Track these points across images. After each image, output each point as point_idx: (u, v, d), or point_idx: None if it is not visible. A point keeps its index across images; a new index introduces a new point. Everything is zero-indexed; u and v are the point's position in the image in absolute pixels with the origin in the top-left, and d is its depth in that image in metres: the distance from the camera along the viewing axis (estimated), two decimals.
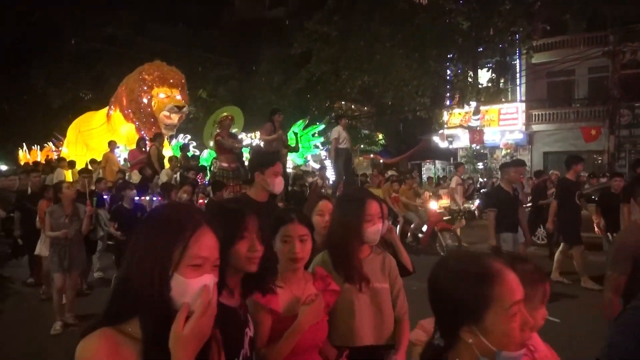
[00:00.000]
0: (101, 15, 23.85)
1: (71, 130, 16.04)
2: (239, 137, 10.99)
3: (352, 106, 25.35)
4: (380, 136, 26.03)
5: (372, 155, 23.37)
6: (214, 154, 13.02)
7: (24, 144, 22.19)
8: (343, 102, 25.33)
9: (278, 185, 3.03)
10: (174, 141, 14.84)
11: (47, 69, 24.31)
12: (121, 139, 13.21)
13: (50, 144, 20.51)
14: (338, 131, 9.91)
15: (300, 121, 14.33)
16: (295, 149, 10.66)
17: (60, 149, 19.53)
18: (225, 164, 8.62)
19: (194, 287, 1.11)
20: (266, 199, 3.07)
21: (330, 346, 2.14)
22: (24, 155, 23.10)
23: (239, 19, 30.07)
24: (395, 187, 10.84)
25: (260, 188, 3.03)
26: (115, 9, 24.74)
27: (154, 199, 9.04)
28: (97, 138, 14.55)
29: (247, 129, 19.20)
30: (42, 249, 6.42)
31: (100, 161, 11.88)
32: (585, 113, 21.29)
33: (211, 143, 10.31)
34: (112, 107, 14.30)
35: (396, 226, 10.46)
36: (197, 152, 13.66)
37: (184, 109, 13.39)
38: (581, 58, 18.10)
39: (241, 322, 1.65)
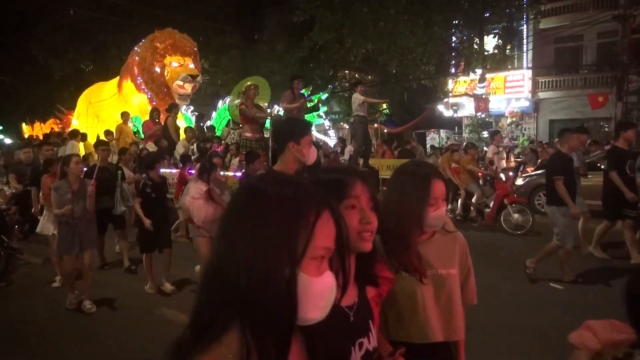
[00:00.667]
0: None
1: (81, 101, 15.76)
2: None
3: (356, 75, 25.01)
4: (385, 105, 25.78)
5: (376, 125, 23.24)
6: (223, 123, 12.99)
7: (27, 117, 22.22)
8: (347, 71, 25.01)
9: (312, 155, 2.80)
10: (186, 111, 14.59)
11: (48, 40, 24.04)
12: (133, 110, 12.89)
13: (53, 117, 20.49)
14: (358, 98, 9.53)
15: (304, 90, 14.18)
16: (315, 109, 10.40)
17: (63, 121, 19.51)
18: (249, 134, 8.49)
19: (317, 288, 0.86)
20: (293, 172, 2.83)
21: (384, 341, 1.76)
22: (28, 129, 23.15)
23: None
24: (456, 156, 10.07)
25: (292, 159, 2.74)
26: None
27: (172, 171, 8.97)
28: (108, 109, 14.29)
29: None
30: (45, 226, 6.10)
31: (114, 132, 11.69)
32: (592, 80, 20.95)
33: (236, 112, 10.16)
34: (123, 77, 13.95)
35: (456, 200, 10.01)
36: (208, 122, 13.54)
37: (198, 78, 13.00)
38: (590, 22, 17.67)
39: (352, 328, 1.29)
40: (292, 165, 2.75)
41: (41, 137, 19.02)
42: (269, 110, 13.06)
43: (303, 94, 8.74)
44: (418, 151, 14.07)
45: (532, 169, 12.42)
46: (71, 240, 5.21)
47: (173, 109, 11.00)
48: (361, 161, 10.06)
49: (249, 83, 9.12)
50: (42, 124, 22.75)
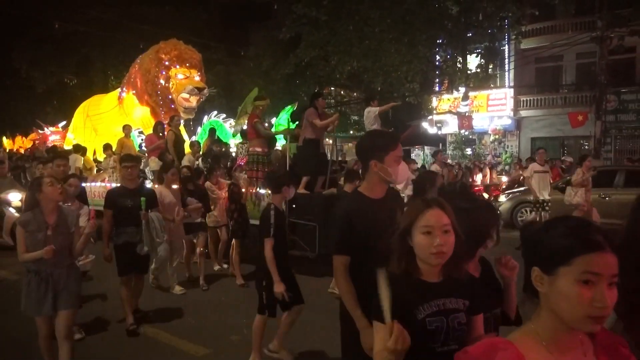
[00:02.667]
0: None
1: (78, 114, 15.20)
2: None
3: (342, 92, 25.23)
4: None
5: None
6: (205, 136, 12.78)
7: (8, 131, 21.86)
8: (332, 88, 25.20)
9: (401, 174, 2.46)
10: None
11: (31, 52, 23.84)
12: (135, 124, 12.47)
13: (38, 129, 20.19)
14: (372, 111, 9.03)
15: (289, 107, 14.23)
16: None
17: (41, 136, 19.23)
18: (259, 149, 8.14)
19: None
20: (383, 194, 2.49)
21: None
22: (9, 142, 22.77)
23: (227, 2, 29.64)
24: None
25: (377, 180, 2.42)
26: None
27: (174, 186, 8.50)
28: (107, 122, 13.79)
29: (235, 114, 19.06)
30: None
31: (116, 147, 11.13)
32: (572, 99, 21.43)
33: (243, 124, 9.85)
34: (124, 89, 13.44)
35: None
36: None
37: (205, 91, 12.46)
38: (569, 43, 18.17)
39: None
40: (378, 186, 2.45)
41: (22, 152, 18.70)
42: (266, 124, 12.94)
43: (325, 111, 8.29)
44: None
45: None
46: (43, 296, 3.66)
47: (173, 120, 10.39)
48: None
49: (262, 103, 8.74)
50: (23, 138, 22.43)
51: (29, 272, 3.72)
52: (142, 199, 5.00)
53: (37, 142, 18.42)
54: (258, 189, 7.80)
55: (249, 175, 7.99)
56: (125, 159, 5.37)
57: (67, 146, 14.00)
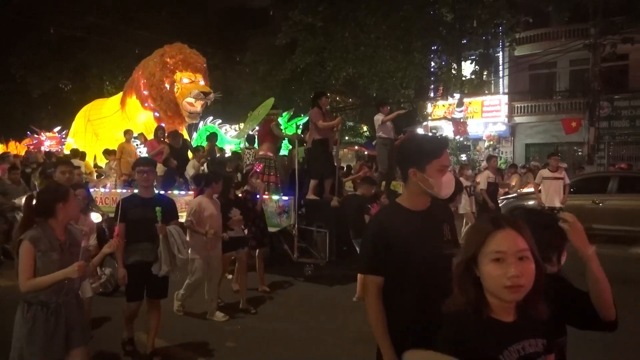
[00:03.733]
0: (83, 3, 23.37)
1: (79, 118, 15.01)
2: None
3: (337, 98, 25.32)
4: (365, 128, 26.04)
5: (356, 147, 23.43)
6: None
7: (2, 135, 21.76)
8: (328, 94, 25.24)
9: (447, 186, 2.11)
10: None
11: (27, 58, 23.79)
12: (138, 128, 12.17)
13: (33, 135, 20.10)
14: (378, 119, 8.97)
15: (285, 112, 14.26)
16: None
17: (38, 138, 19.16)
18: (270, 153, 8.13)
19: None
20: (426, 206, 2.17)
21: None
22: (2, 147, 22.66)
23: (224, 8, 29.75)
24: None
25: (417, 191, 2.14)
26: None
27: (181, 192, 8.30)
28: (108, 127, 13.55)
29: (232, 120, 19.11)
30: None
31: (116, 152, 10.81)
32: (566, 105, 21.59)
33: (249, 129, 9.74)
34: (127, 93, 13.20)
35: None
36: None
37: (210, 95, 12.20)
38: (563, 50, 18.35)
39: None
40: (419, 197, 2.15)
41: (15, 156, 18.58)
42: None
43: (329, 111, 8.23)
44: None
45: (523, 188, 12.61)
46: (52, 335, 2.90)
47: (175, 138, 9.99)
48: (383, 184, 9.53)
49: (275, 112, 8.65)
50: (17, 143, 22.33)
51: (31, 305, 2.85)
52: (158, 209, 4.12)
53: (31, 147, 18.31)
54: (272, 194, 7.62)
55: (265, 180, 7.74)
56: (141, 163, 4.58)
57: (67, 151, 13.88)
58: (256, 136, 9.92)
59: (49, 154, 13.91)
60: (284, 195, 7.63)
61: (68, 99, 25.53)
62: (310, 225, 7.31)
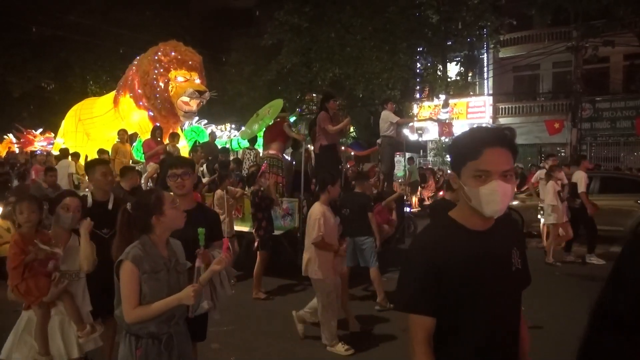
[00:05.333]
0: (65, 2, 23.05)
1: (69, 118, 14.58)
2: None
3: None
4: (352, 129, 26.11)
5: (343, 148, 23.50)
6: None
7: None
8: (314, 94, 25.29)
9: (489, 201, 1.56)
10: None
11: (7, 57, 23.38)
12: (132, 128, 11.94)
13: (11, 135, 19.74)
14: (390, 117, 8.61)
15: (291, 115, 14.15)
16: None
17: (21, 140, 18.82)
18: (280, 154, 7.93)
19: None
20: (489, 225, 1.65)
21: None
22: None
23: (208, 8, 29.58)
24: None
25: (465, 205, 1.65)
26: None
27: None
28: (100, 127, 13.25)
29: (217, 120, 19.00)
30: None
31: (110, 152, 10.54)
32: (549, 107, 21.91)
33: (260, 129, 9.54)
34: (120, 91, 12.86)
35: None
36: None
37: (206, 94, 11.90)
38: (546, 53, 18.61)
39: None
40: (472, 212, 1.63)
41: None
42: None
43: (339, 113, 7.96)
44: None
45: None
46: None
47: (172, 140, 9.90)
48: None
49: (282, 115, 8.47)
50: None
51: (140, 339, 2.38)
52: (201, 230, 2.81)
53: (18, 146, 17.93)
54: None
55: (274, 179, 7.50)
56: (174, 164, 3.33)
57: (55, 151, 13.55)
58: (258, 137, 9.80)
59: (32, 154, 13.55)
60: (289, 197, 7.51)
61: (50, 98, 25.17)
62: None
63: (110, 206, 3.66)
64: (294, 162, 8.75)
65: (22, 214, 3.05)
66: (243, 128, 13.90)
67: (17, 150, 17.69)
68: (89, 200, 3.64)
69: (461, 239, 1.63)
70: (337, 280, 4.80)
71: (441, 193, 13.95)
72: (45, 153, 12.70)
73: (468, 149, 1.60)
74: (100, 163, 4.00)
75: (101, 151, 10.73)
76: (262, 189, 6.64)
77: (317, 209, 4.67)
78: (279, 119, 8.17)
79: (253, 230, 6.68)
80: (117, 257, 2.39)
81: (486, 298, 1.59)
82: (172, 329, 2.43)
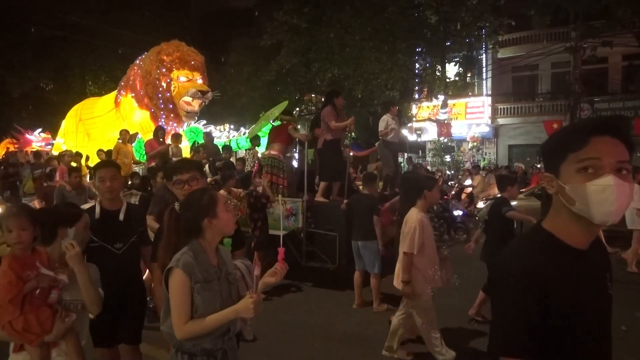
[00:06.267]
0: (64, 2, 23.04)
1: (70, 118, 14.50)
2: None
3: (322, 99, 25.32)
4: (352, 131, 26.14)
5: (342, 148, 23.51)
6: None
7: None
8: (313, 95, 25.32)
9: (604, 201, 1.23)
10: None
11: (6, 57, 23.37)
12: (133, 128, 11.77)
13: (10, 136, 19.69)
14: (386, 121, 8.53)
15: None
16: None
17: (20, 141, 18.78)
18: (281, 155, 7.78)
19: None
20: (589, 241, 1.36)
21: None
22: None
23: (208, 8, 29.59)
24: None
25: (566, 213, 1.34)
26: None
27: None
28: (101, 127, 13.16)
29: (216, 121, 19.01)
30: None
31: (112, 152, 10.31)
32: (548, 107, 21.94)
33: (261, 128, 9.52)
34: (121, 91, 12.82)
35: None
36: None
37: (208, 94, 11.86)
38: (544, 53, 18.63)
39: None
40: (573, 225, 1.33)
41: None
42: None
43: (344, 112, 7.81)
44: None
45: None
46: None
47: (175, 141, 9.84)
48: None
49: (287, 118, 8.40)
50: None
51: (194, 356, 2.13)
52: (227, 240, 2.65)
53: (16, 147, 17.87)
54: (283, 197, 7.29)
55: (273, 180, 7.44)
56: (180, 167, 2.92)
57: (56, 152, 13.49)
58: (260, 137, 9.82)
59: (37, 154, 13.44)
60: (292, 197, 7.45)
61: (49, 99, 25.15)
62: (319, 229, 7.04)
63: (121, 217, 3.09)
64: (296, 163, 8.69)
65: (10, 233, 2.36)
66: (242, 128, 13.89)
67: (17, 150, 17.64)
68: (97, 210, 3.08)
69: (567, 260, 1.31)
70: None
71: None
72: (70, 153, 12.63)
73: (569, 140, 1.31)
74: (101, 166, 3.35)
75: (100, 152, 10.75)
76: (256, 189, 6.67)
77: (414, 216, 4.16)
78: (285, 122, 8.15)
79: (250, 231, 6.67)
80: (165, 263, 2.15)
81: (592, 333, 1.32)
82: (225, 345, 2.19)
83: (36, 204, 7.09)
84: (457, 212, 10.82)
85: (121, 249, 3.00)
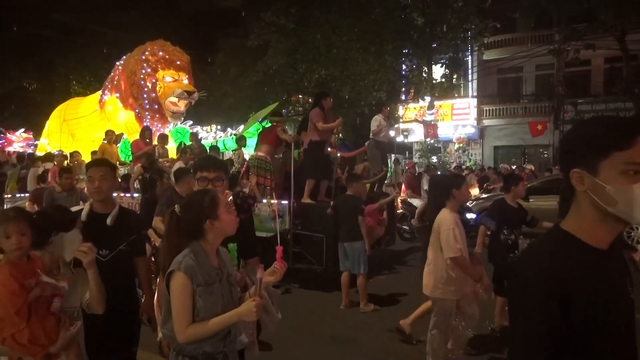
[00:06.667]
0: (49, 0, 22.74)
1: (54, 118, 14.26)
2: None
3: (310, 100, 25.34)
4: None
5: (329, 149, 23.54)
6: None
7: None
8: (300, 96, 25.33)
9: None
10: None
11: None
12: (118, 128, 11.57)
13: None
14: (378, 121, 8.65)
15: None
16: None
17: (6, 137, 18.45)
18: (268, 157, 7.73)
19: None
20: (609, 241, 1.30)
21: None
22: None
23: (194, 8, 29.41)
24: None
25: (593, 213, 1.27)
26: None
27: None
28: (85, 127, 12.95)
29: (204, 121, 18.91)
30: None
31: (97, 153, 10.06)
32: (532, 109, 22.22)
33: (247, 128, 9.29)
34: (106, 91, 12.62)
35: None
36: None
37: (194, 95, 11.69)
38: (529, 55, 18.86)
39: None
40: (597, 225, 1.27)
41: None
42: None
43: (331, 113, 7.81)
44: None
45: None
46: None
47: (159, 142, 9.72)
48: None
49: (277, 119, 8.33)
50: None
51: None
52: (232, 246, 2.62)
53: None
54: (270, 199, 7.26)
55: (259, 182, 7.40)
56: (203, 165, 2.78)
57: (40, 152, 13.29)
58: (246, 138, 9.74)
59: (21, 155, 13.20)
60: (279, 199, 7.41)
61: (33, 98, 24.81)
62: (306, 230, 6.99)
63: (109, 221, 2.85)
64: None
65: (9, 239, 2.18)
66: (229, 129, 13.82)
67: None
68: (84, 212, 2.88)
69: (587, 261, 1.25)
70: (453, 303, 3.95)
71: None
72: (61, 153, 12.42)
73: (614, 136, 1.21)
74: (92, 165, 3.13)
75: (93, 153, 10.34)
76: (243, 189, 6.59)
77: (448, 217, 3.84)
78: (275, 124, 8.12)
79: None
80: (166, 266, 2.10)
81: (618, 334, 1.25)
82: (227, 348, 2.15)
83: (28, 206, 6.98)
84: None
85: (107, 257, 2.77)
